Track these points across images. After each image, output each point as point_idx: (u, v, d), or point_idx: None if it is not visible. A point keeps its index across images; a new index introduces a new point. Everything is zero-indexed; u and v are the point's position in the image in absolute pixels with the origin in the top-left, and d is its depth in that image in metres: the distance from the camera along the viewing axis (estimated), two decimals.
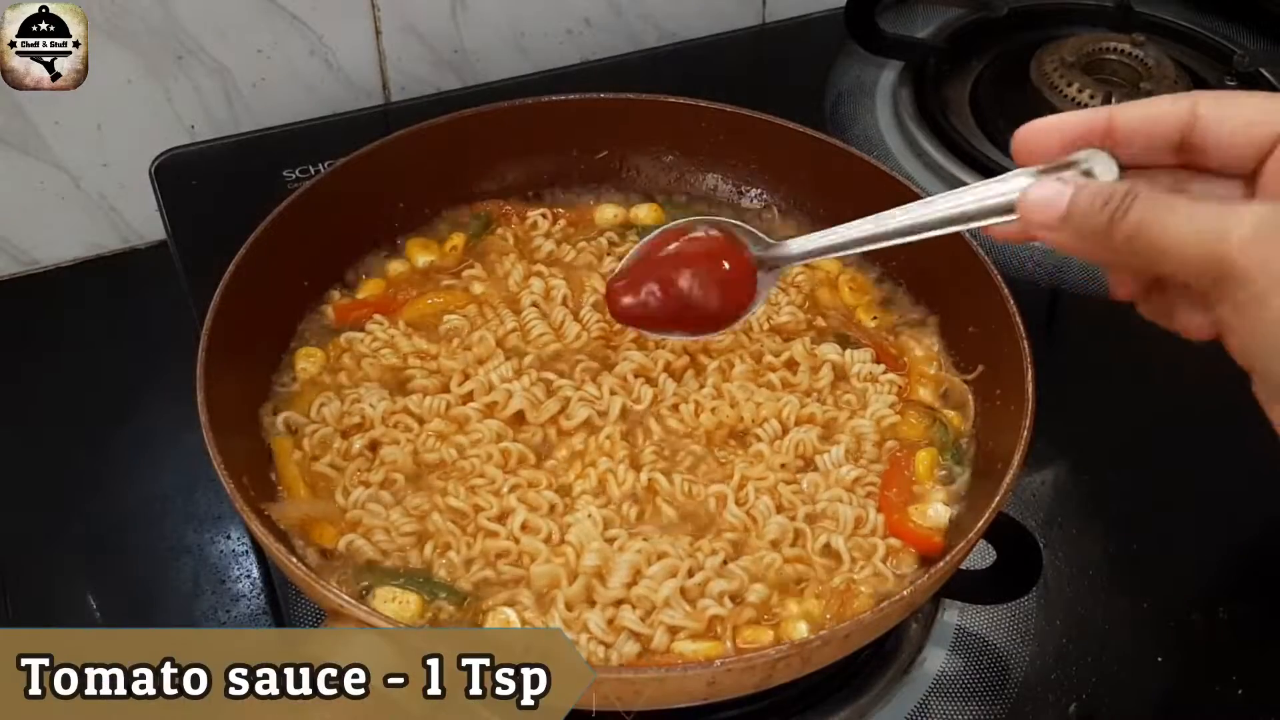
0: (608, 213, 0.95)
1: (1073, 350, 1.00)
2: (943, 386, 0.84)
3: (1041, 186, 0.56)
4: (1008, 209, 0.58)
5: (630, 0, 1.22)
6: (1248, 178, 0.56)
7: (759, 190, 0.96)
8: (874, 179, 0.88)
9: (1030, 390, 0.73)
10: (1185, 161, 0.57)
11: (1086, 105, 1.12)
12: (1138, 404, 0.95)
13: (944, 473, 0.79)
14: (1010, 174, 0.59)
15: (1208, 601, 0.83)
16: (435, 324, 0.86)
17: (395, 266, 0.90)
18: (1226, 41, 1.25)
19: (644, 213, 0.95)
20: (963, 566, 0.68)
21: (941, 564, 0.66)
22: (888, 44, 1.21)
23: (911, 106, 1.17)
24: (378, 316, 0.86)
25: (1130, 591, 0.84)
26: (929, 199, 0.64)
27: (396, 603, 0.69)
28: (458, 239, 0.92)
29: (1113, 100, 1.10)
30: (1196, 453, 0.92)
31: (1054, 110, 1.12)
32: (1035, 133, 0.59)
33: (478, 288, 0.88)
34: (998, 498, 0.68)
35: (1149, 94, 1.13)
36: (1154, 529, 0.87)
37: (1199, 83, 1.18)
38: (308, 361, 0.83)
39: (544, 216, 0.94)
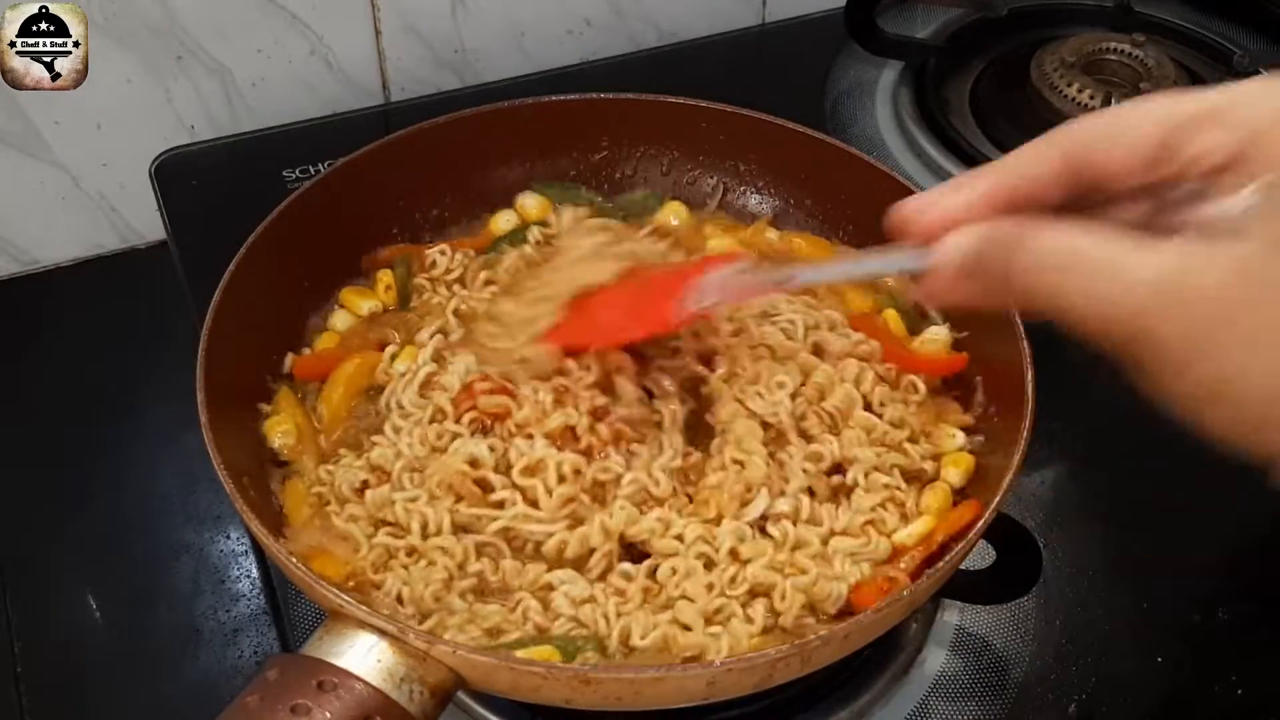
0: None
1: (1072, 350, 0.99)
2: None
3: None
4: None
5: (630, 0, 1.22)
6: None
7: (759, 190, 0.96)
8: (874, 179, 0.88)
9: (1030, 390, 0.73)
10: (1088, 198, 0.52)
11: (1087, 105, 1.12)
12: (1137, 404, 0.95)
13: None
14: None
15: (1208, 601, 0.83)
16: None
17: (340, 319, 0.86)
18: (1226, 41, 1.25)
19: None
20: (963, 566, 0.68)
21: (941, 564, 0.66)
22: (888, 44, 1.21)
23: (911, 106, 1.17)
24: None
25: (1130, 591, 0.84)
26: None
27: None
28: (388, 277, 0.87)
29: (1112, 101, 1.10)
30: (1196, 453, 0.92)
31: (1054, 111, 1.13)
32: (912, 214, 0.55)
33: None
34: (998, 498, 0.68)
35: (1149, 94, 1.13)
36: (1154, 529, 0.87)
37: (1199, 83, 1.18)
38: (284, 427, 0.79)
39: (442, 254, 0.89)
